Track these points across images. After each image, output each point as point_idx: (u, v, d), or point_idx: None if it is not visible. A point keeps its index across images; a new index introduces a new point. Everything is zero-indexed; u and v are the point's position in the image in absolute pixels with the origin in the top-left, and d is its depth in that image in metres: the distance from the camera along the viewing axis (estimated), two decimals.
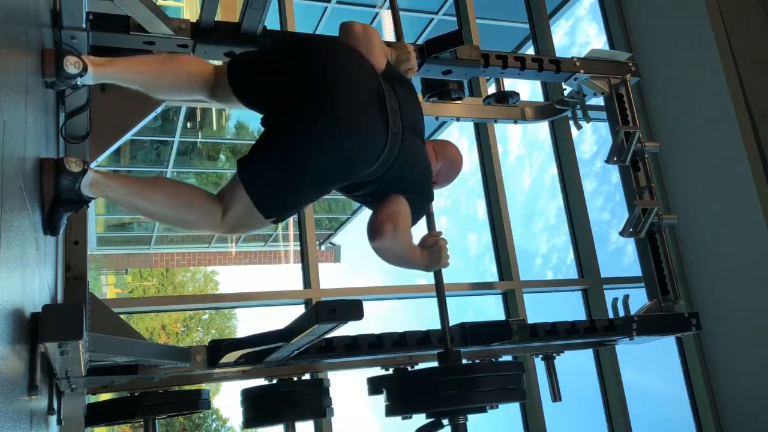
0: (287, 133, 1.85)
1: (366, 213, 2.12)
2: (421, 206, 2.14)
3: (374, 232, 1.99)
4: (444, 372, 2.09)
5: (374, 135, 1.87)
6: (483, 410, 2.06)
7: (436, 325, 2.54)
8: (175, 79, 1.93)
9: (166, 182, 1.98)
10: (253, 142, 1.94)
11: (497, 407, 2.05)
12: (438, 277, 2.24)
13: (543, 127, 4.78)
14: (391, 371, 2.60)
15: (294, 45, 2.07)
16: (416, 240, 2.17)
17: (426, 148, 2.17)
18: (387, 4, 6.10)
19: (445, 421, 2.05)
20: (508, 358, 2.83)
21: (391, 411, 2.10)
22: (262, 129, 1.94)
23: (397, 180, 2.00)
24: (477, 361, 2.63)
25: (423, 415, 2.09)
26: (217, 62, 2.11)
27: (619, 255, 3.01)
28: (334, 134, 1.81)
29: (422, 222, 2.23)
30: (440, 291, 2.23)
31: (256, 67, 1.96)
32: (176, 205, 1.86)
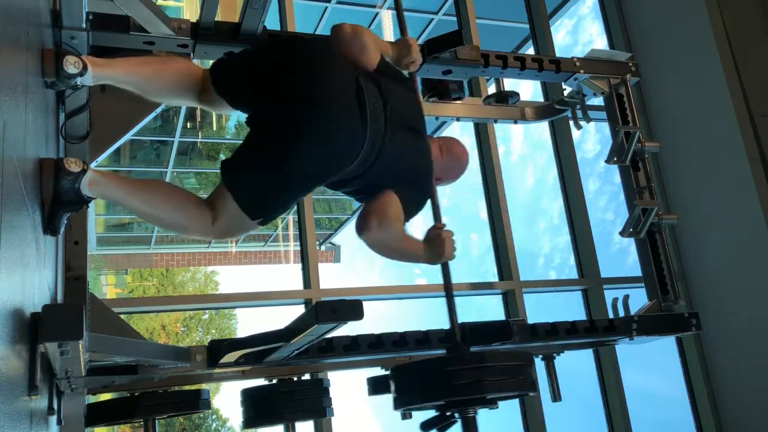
0: (267, 135, 1.89)
1: None
2: (417, 200, 2.14)
3: (359, 225, 2.03)
4: (454, 360, 1.99)
5: (351, 134, 1.89)
6: (494, 403, 2.01)
7: (436, 325, 2.54)
8: (165, 82, 1.95)
9: (162, 186, 2.00)
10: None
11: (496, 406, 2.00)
12: (445, 271, 2.20)
13: (546, 127, 4.78)
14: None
15: (273, 47, 2.11)
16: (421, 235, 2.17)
17: (429, 144, 2.18)
18: (387, 3, 6.10)
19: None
20: None
21: (398, 404, 2.05)
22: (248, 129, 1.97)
23: (385, 174, 2.02)
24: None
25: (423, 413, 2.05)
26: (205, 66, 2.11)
27: (624, 255, 3.01)
28: (311, 135, 1.84)
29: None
30: (448, 286, 2.20)
31: (237, 68, 1.99)
32: (170, 209, 1.88)
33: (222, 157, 9.24)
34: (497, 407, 2.03)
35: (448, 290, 2.19)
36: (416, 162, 2.11)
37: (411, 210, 2.10)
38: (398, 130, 2.01)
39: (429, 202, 2.20)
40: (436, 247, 2.12)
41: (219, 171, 1.91)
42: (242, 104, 2.01)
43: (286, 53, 1.97)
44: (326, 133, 1.85)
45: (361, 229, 2.03)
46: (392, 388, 2.02)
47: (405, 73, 2.29)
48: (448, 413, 1.98)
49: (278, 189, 1.92)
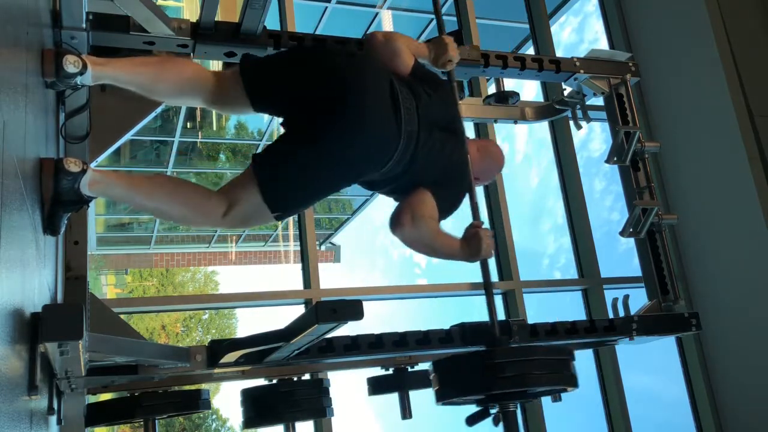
0: (304, 135, 1.93)
1: (367, 212, 2.13)
2: (452, 199, 2.20)
3: (393, 222, 2.09)
4: (499, 354, 1.96)
5: (387, 136, 1.94)
6: (534, 397, 2.02)
7: (436, 325, 2.55)
8: (173, 83, 1.95)
9: (166, 179, 2.00)
10: (254, 142, 1.97)
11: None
12: (484, 268, 2.19)
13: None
14: (391, 371, 2.60)
15: (311, 51, 2.15)
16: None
17: (467, 145, 2.23)
18: (387, 3, 6.10)
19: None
20: None
21: (440, 397, 2.02)
22: (282, 130, 2.02)
23: (421, 174, 2.07)
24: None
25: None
26: (215, 68, 2.11)
27: (631, 255, 3.01)
28: (349, 136, 1.89)
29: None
30: (487, 282, 2.19)
31: (271, 70, 2.01)
32: (176, 202, 1.88)
33: (222, 157, 9.25)
34: (536, 399, 2.05)
35: (488, 286, 2.18)
36: (452, 161, 2.15)
37: (446, 208, 2.15)
38: (433, 131, 2.06)
39: (467, 200, 2.24)
40: (474, 244, 2.14)
41: (233, 170, 1.93)
42: (269, 106, 2.04)
43: (324, 59, 2.00)
44: (362, 136, 1.90)
45: (394, 226, 2.08)
46: (434, 382, 2.02)
47: (441, 73, 2.35)
48: (489, 407, 1.99)
49: (306, 187, 1.97)
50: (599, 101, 3.11)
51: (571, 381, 1.94)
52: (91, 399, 2.55)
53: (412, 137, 1.99)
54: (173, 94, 2.01)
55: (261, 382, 2.45)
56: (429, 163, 2.06)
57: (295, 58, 2.03)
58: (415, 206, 2.06)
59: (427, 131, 2.03)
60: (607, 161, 2.96)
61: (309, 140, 1.91)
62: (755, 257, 4.10)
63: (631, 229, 2.88)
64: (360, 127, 1.89)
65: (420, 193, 2.08)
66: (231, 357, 2.17)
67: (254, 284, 21.05)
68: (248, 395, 2.41)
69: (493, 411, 1.98)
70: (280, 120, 2.04)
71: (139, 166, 8.90)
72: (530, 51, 5.13)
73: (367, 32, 2.21)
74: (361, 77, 1.96)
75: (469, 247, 2.15)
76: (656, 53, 4.72)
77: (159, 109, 2.48)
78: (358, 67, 1.99)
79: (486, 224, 2.19)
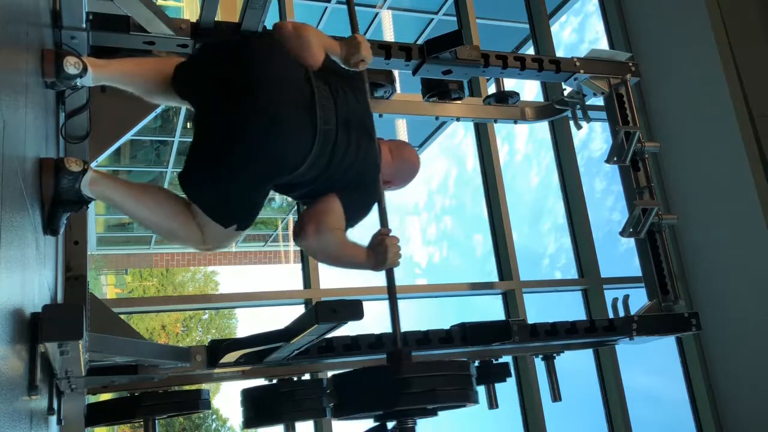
0: (212, 138, 1.84)
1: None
2: (362, 205, 2.08)
3: (296, 231, 1.98)
4: (392, 370, 1.89)
5: (300, 132, 1.84)
6: (433, 413, 1.93)
7: (436, 325, 2.55)
8: (162, 85, 1.92)
9: (162, 191, 1.95)
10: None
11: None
12: (389, 276, 2.07)
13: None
14: None
15: (222, 46, 2.05)
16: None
17: (379, 148, 2.13)
18: (387, 3, 6.10)
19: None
20: (508, 358, 2.83)
21: (335, 413, 1.94)
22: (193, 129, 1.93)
23: (335, 177, 1.96)
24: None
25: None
26: None
27: (632, 255, 3.02)
28: (255, 133, 1.79)
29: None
30: (391, 291, 2.06)
31: (190, 70, 1.94)
32: (168, 216, 1.85)
33: None
34: (436, 415, 1.95)
35: (392, 295, 2.07)
36: (365, 164, 2.04)
37: (355, 215, 2.04)
38: (350, 131, 1.96)
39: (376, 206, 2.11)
40: (380, 254, 2.03)
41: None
42: (194, 104, 1.95)
43: (231, 51, 1.92)
44: (272, 133, 1.79)
45: (297, 236, 1.97)
46: (333, 397, 1.93)
47: (352, 70, 2.17)
48: (387, 423, 1.91)
49: (233, 192, 1.86)
50: (599, 101, 3.11)
51: (470, 397, 1.87)
52: (91, 399, 2.55)
53: (330, 137, 1.89)
54: (163, 96, 1.97)
55: (261, 382, 2.45)
56: (345, 166, 1.96)
57: (206, 52, 1.97)
58: (321, 216, 1.94)
59: (345, 131, 1.93)
60: (607, 161, 2.96)
61: (218, 142, 1.81)
62: (755, 257, 4.10)
63: (631, 229, 2.88)
64: (267, 125, 1.79)
65: (327, 201, 1.97)
66: (231, 357, 2.17)
67: (254, 284, 21.06)
68: (248, 395, 2.40)
69: (390, 426, 1.91)
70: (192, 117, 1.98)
71: (139, 166, 8.90)
72: (530, 51, 5.13)
73: (275, 22, 2.10)
74: (270, 66, 1.85)
75: (375, 256, 2.03)
76: (656, 53, 4.72)
77: (159, 109, 2.48)
78: (267, 56, 1.89)
79: (393, 232, 2.06)
